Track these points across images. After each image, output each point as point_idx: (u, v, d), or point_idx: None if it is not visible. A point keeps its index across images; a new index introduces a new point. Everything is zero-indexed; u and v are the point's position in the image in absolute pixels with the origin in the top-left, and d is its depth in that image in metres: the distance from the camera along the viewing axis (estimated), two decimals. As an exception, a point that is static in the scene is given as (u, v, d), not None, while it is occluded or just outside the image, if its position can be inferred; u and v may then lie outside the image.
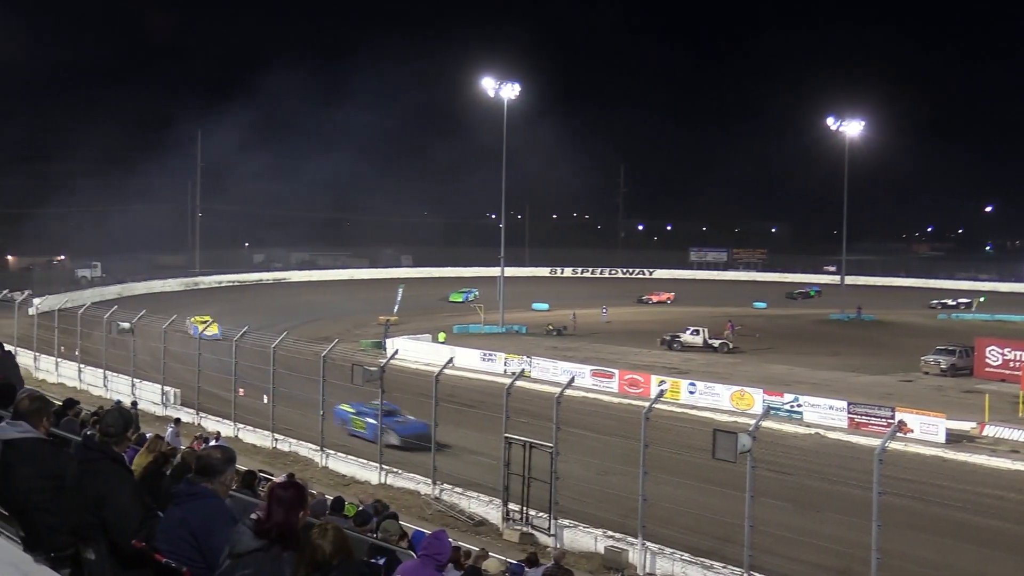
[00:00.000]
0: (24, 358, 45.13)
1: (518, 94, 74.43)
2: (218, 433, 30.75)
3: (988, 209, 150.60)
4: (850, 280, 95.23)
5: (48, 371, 43.52)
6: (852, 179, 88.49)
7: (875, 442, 23.35)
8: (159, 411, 36.00)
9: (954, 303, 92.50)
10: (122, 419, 6.72)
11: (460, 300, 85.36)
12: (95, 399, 35.12)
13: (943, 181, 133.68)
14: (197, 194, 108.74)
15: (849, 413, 38.29)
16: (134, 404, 30.09)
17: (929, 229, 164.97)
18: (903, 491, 22.99)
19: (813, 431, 37.82)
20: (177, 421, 30.11)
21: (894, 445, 23.59)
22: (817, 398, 40.19)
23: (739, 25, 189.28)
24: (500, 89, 73.79)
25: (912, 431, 35.22)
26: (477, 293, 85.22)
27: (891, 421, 35.06)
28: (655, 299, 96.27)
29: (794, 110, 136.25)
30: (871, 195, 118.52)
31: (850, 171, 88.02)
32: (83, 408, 17.69)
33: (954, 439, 35.77)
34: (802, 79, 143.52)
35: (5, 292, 49.24)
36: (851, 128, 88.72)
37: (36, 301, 55.39)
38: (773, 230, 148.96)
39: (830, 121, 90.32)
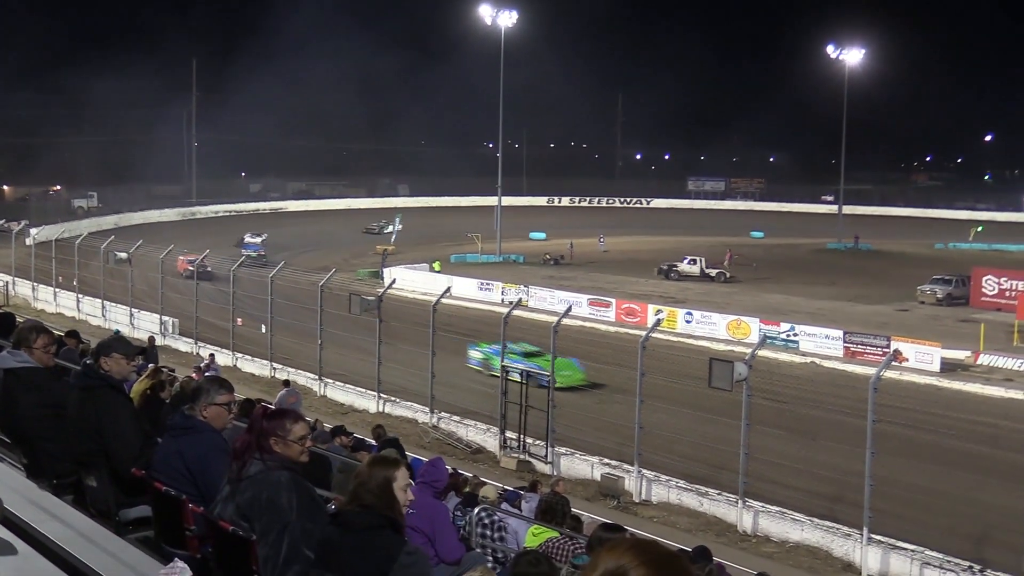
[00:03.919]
0: (22, 288, 45.31)
1: (515, 21, 73.77)
2: (212, 355, 30.94)
3: (988, 138, 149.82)
4: (848, 210, 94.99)
5: (47, 301, 43.56)
6: (851, 108, 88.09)
7: (870, 371, 23.51)
8: (158, 340, 36.11)
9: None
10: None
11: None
12: (94, 329, 35.25)
13: (942, 110, 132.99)
14: (193, 124, 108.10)
15: (845, 342, 38.47)
16: (151, 340, 30.18)
17: (928, 159, 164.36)
18: (897, 419, 23.19)
19: (809, 360, 37.99)
20: (286, 383, 27.93)
21: (889, 374, 23.69)
22: (813, 327, 40.30)
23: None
24: (497, 16, 73.10)
25: (907, 360, 35.36)
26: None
27: (887, 350, 35.20)
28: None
29: (794, 38, 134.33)
30: (870, 124, 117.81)
31: (849, 100, 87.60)
32: (86, 340, 17.74)
33: (949, 368, 35.98)
34: (802, 6, 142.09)
35: (2, 222, 49.20)
36: (851, 56, 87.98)
37: (33, 231, 55.24)
38: (771, 159, 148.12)
39: (830, 49, 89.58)
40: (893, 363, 28.25)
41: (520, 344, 30.25)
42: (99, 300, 40.40)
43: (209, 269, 42.29)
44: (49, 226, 59.62)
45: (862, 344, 38.00)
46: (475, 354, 33.71)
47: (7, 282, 45.69)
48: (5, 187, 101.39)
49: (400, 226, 75.72)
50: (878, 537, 18.63)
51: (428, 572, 4.66)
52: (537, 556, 6.95)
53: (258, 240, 64.67)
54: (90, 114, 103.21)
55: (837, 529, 19.46)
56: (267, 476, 4.99)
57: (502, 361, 26.17)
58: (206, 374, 22.72)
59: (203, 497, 5.45)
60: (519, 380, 24.87)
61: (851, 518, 19.45)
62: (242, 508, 4.98)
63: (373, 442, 17.86)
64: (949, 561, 17.89)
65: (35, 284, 45.01)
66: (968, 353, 37.60)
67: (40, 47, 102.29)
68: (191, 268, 43.37)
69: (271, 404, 16.91)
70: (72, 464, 6.36)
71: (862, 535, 18.63)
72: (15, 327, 8.37)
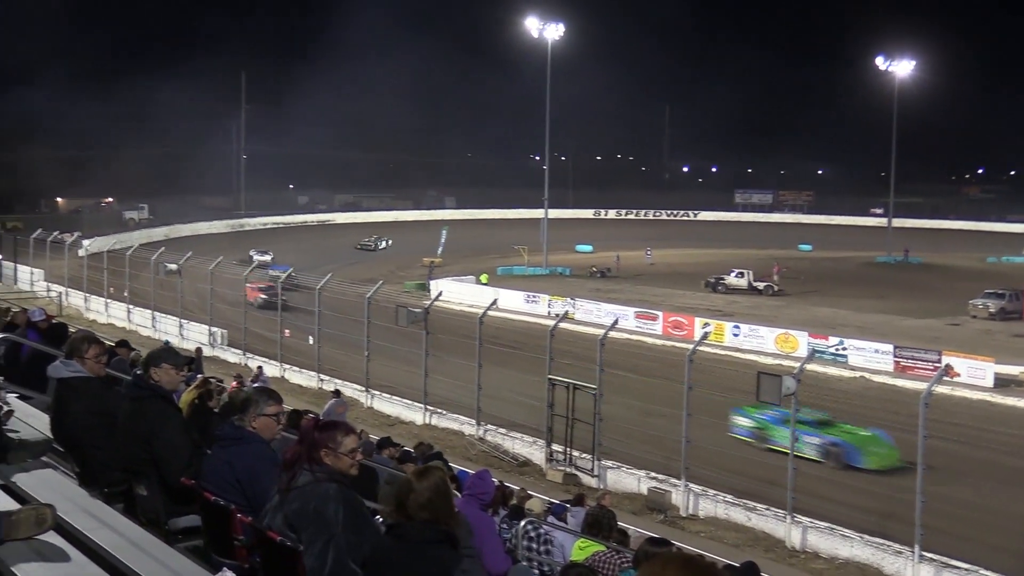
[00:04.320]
0: (75, 298, 45.93)
1: (562, 34, 73.90)
2: (260, 367, 31.06)
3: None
4: (898, 223, 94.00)
5: (98, 312, 44.08)
6: (901, 120, 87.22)
7: (921, 386, 23.23)
8: (207, 351, 36.42)
9: None
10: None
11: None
12: (144, 339, 35.63)
13: (995, 122, 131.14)
14: (242, 136, 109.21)
15: (895, 356, 38.02)
16: (198, 350, 30.44)
17: (980, 171, 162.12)
18: (949, 435, 22.87)
19: (858, 374, 37.61)
20: (337, 393, 27.55)
21: (940, 389, 23.40)
22: (863, 341, 39.89)
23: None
24: (544, 29, 73.28)
25: (959, 375, 34.91)
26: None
27: (938, 365, 34.75)
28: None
29: (843, 49, 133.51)
30: (920, 136, 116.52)
31: (899, 111, 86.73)
32: (136, 349, 17.92)
33: (1002, 383, 35.42)
34: (851, 18, 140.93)
35: (55, 234, 49.83)
36: (901, 67, 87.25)
37: (85, 243, 55.95)
38: (820, 172, 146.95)
39: (880, 61, 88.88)
40: (944, 378, 27.87)
41: (805, 409, 23.77)
42: (149, 311, 40.83)
43: (284, 298, 39.35)
44: (101, 237, 60.39)
45: (913, 359, 37.53)
46: (742, 421, 27.27)
47: (60, 293, 46.32)
48: (59, 199, 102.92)
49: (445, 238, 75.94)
50: (930, 555, 18.38)
51: None
52: (583, 570, 6.91)
53: (267, 258, 62.97)
54: (141, 127, 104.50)
55: (888, 546, 19.19)
56: (315, 487, 5.00)
57: (792, 429, 21.60)
58: (254, 385, 22.93)
59: (252, 507, 5.47)
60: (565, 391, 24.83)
61: (902, 535, 19.19)
62: (290, 518, 4.99)
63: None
64: (1003, 580, 17.62)
65: (87, 295, 45.58)
66: (1022, 368, 37.02)
67: (92, 60, 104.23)
68: (264, 296, 43.79)
69: (319, 415, 17.01)
70: (123, 473, 6.41)
71: (913, 552, 18.38)
72: (68, 337, 8.47)
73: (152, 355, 6.85)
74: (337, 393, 27.28)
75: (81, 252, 52.31)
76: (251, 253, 63.62)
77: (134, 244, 50.45)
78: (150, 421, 6.31)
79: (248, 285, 40.75)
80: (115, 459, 6.43)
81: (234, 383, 20.39)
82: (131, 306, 42.38)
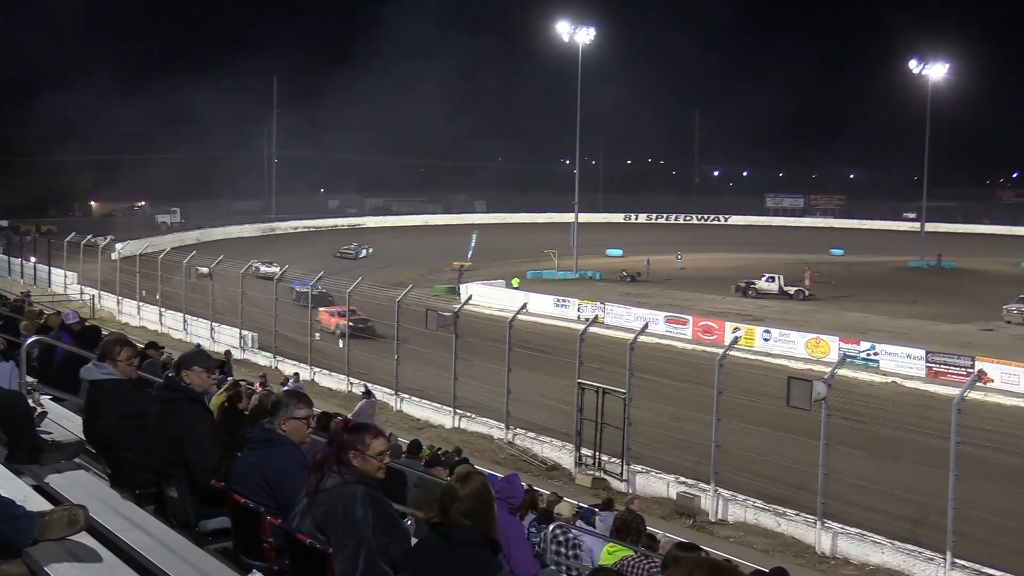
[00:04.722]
0: (108, 301, 46.32)
1: (593, 38, 73.89)
2: (296, 374, 31.08)
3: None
4: (930, 227, 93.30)
5: (131, 315, 44.45)
6: (934, 123, 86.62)
7: (954, 391, 23.04)
8: (237, 354, 36.63)
9: None
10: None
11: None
12: (175, 342, 35.89)
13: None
14: (274, 140, 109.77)
15: (927, 362, 37.73)
16: (227, 353, 30.60)
17: (1015, 175, 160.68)
18: (982, 441, 22.64)
19: (890, 380, 37.35)
20: (367, 393, 27.63)
21: (973, 395, 23.26)
22: (894, 346, 39.63)
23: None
24: (575, 34, 73.31)
25: (992, 381, 34.60)
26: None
27: (971, 370, 34.47)
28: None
29: (876, 53, 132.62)
30: (953, 140, 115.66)
31: (932, 115, 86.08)
32: (166, 350, 18.07)
33: (1036, 389, 35.12)
34: (884, 21, 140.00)
35: (89, 237, 50.31)
36: (934, 71, 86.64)
37: (118, 246, 56.49)
38: (851, 176, 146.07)
39: (913, 64, 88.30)
40: (978, 384, 27.63)
41: None
42: (181, 314, 41.14)
43: (370, 323, 38.47)
44: (133, 241, 60.95)
45: (945, 364, 37.24)
46: None
47: (93, 296, 46.75)
48: (92, 203, 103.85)
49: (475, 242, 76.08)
50: (962, 562, 18.24)
51: None
52: (610, 574, 6.90)
53: (272, 269, 52.80)
54: (174, 131, 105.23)
55: (920, 553, 19.06)
56: (343, 490, 5.02)
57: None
58: (284, 388, 23.02)
59: (281, 510, 5.50)
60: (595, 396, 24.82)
61: (934, 542, 19.06)
62: (318, 521, 5.01)
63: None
64: (1036, 588, 17.46)
65: (120, 298, 45.97)
66: (1056, 374, 36.64)
67: (126, 65, 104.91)
68: (345, 323, 36.77)
69: (348, 417, 17.02)
70: (153, 475, 6.47)
71: (945, 559, 18.24)
72: (100, 340, 8.55)
73: (183, 358, 6.90)
74: (368, 393, 27.36)
75: (114, 255, 52.79)
76: (256, 264, 54.59)
77: (166, 248, 50.85)
78: (180, 423, 6.35)
79: (323, 310, 40.61)
80: (146, 461, 6.49)
81: (257, 384, 20.48)
82: (163, 309, 42.71)
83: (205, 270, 41.66)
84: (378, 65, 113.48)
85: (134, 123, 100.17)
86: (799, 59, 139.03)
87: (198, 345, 29.81)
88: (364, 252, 78.25)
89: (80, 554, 4.83)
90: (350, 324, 36.04)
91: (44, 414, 7.10)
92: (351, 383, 32.56)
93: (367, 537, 4.87)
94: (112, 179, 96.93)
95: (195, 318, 40.57)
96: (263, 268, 49.68)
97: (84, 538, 4.97)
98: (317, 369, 34.20)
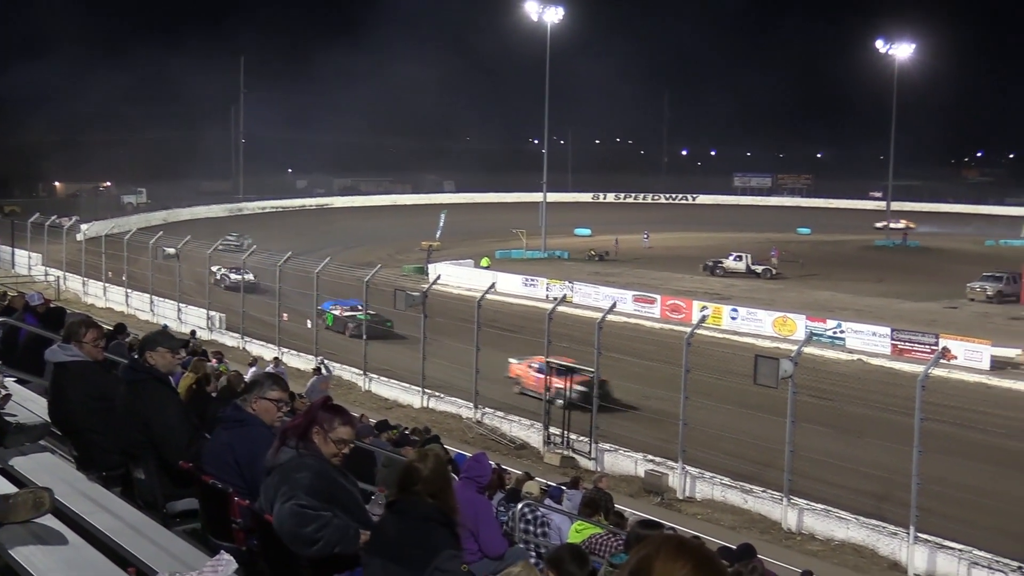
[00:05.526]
0: (73, 283, 45.92)
1: (561, 18, 73.75)
2: (276, 359, 30.76)
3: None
4: (896, 206, 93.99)
5: (96, 296, 44.11)
6: (900, 103, 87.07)
7: (918, 368, 23.30)
8: (204, 335, 36.46)
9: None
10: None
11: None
12: (142, 323, 35.66)
13: (994, 105, 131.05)
14: (241, 120, 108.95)
15: (892, 339, 38.06)
16: (192, 333, 30.45)
17: (979, 154, 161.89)
18: (946, 417, 22.88)
19: (856, 357, 37.64)
20: (318, 369, 29.48)
21: (937, 372, 23.41)
22: (860, 324, 39.91)
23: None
24: (543, 13, 73.12)
25: (956, 358, 34.94)
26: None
27: (935, 348, 34.78)
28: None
29: (842, 33, 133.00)
30: (920, 120, 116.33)
31: (899, 95, 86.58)
32: (132, 332, 17.95)
33: (999, 366, 35.48)
34: (851, 1, 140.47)
35: (53, 218, 49.83)
36: (901, 51, 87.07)
37: (83, 227, 55.93)
38: (819, 155, 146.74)
39: (879, 44, 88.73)
40: (942, 361, 27.91)
41: None
42: (147, 295, 40.88)
43: (252, 278, 41.80)
44: (99, 222, 60.34)
45: (910, 341, 37.59)
46: None
47: (58, 277, 46.33)
48: (57, 183, 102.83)
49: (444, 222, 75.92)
50: (925, 536, 18.46)
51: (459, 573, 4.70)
52: (573, 548, 6.93)
53: (241, 276, 50.97)
54: (140, 112, 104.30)
55: (883, 528, 19.29)
56: (295, 460, 5.07)
57: None
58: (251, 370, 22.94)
59: (250, 490, 5.50)
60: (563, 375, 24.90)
61: (898, 517, 19.29)
62: (268, 492, 5.06)
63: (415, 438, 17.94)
64: (998, 561, 17.68)
65: (85, 279, 45.63)
66: (1019, 351, 37.02)
67: (91, 45, 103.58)
68: (233, 277, 43.86)
69: (329, 396, 17.02)
70: (120, 456, 6.45)
71: (908, 534, 18.46)
72: (65, 321, 8.50)
73: (147, 338, 6.88)
74: (318, 369, 27.37)
75: (79, 236, 52.27)
76: (223, 272, 48.32)
77: (132, 228, 50.37)
78: (148, 404, 6.33)
79: (213, 268, 41.73)
80: (113, 442, 6.47)
81: (213, 360, 20.33)
82: (129, 290, 42.39)
83: (172, 251, 41.35)
84: (347, 46, 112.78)
85: (100, 102, 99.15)
86: (767, 40, 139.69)
87: (164, 326, 29.62)
88: (246, 242, 69.15)
89: (46, 536, 4.82)
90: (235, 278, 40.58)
91: (8, 396, 7.06)
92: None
93: (297, 494, 4.88)
94: (77, 159, 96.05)
95: (162, 299, 40.31)
96: (232, 276, 46.48)
97: (50, 520, 4.97)
98: (285, 349, 34.06)
